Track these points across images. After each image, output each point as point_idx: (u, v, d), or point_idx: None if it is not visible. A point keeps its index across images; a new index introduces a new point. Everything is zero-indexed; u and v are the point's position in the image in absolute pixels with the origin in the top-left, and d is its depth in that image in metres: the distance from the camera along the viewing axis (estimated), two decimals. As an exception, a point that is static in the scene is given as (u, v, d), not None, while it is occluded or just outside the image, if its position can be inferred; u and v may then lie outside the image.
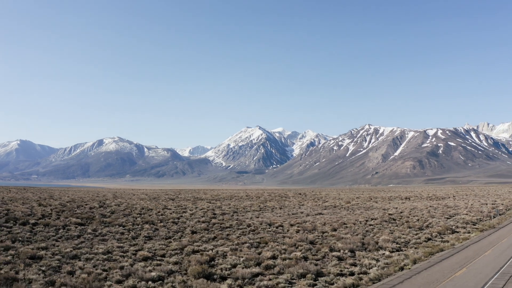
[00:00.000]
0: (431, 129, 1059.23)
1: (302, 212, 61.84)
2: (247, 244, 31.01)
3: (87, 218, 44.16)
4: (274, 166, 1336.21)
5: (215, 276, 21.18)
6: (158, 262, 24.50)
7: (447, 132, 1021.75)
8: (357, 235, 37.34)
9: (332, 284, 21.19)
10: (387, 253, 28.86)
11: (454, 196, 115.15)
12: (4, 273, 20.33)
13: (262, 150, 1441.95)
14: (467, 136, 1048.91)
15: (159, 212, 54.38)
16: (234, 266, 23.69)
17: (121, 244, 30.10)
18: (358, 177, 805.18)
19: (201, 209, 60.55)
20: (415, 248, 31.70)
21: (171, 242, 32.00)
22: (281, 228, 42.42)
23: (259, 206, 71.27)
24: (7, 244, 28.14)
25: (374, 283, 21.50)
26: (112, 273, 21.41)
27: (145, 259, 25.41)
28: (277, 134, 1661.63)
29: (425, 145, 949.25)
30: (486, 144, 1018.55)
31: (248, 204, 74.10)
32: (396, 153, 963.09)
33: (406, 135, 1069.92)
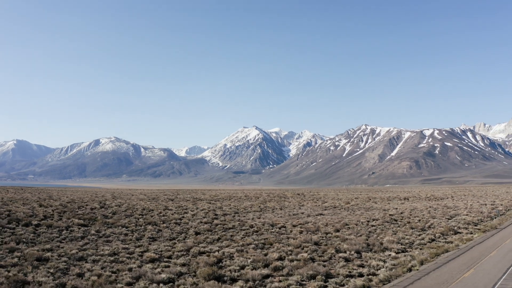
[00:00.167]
0: (428, 129, 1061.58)
1: (302, 213, 61.82)
2: (253, 245, 30.97)
3: (89, 219, 44.01)
4: (270, 166, 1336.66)
5: (225, 278, 21.11)
6: (166, 263, 24.40)
7: (444, 132, 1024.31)
8: (360, 236, 37.34)
9: (343, 285, 21.20)
10: (393, 254, 28.87)
11: (452, 197, 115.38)
12: (13, 276, 20.21)
13: (259, 150, 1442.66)
14: (463, 137, 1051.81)
15: (160, 213, 54.24)
16: (243, 267, 23.66)
17: (126, 246, 30.01)
18: (354, 177, 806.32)
19: (202, 210, 60.47)
20: (420, 249, 31.74)
21: (175, 243, 31.91)
22: (284, 229, 42.39)
23: (259, 206, 71.23)
24: (12, 246, 28.01)
25: (384, 284, 21.51)
26: (122, 275, 21.32)
27: (152, 260, 25.33)
28: (274, 134, 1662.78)
29: (421, 145, 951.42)
30: (482, 145, 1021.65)
31: (248, 205, 74.05)
32: (393, 153, 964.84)
33: (403, 135, 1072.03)
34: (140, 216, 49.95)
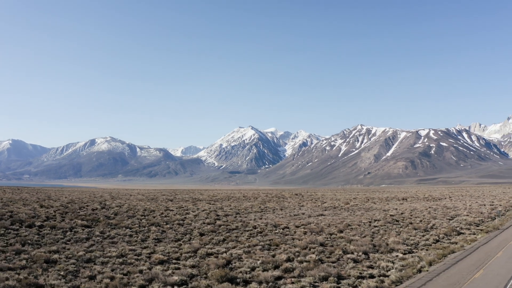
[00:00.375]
0: (423, 129, 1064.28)
1: (303, 213, 61.76)
2: (259, 247, 30.94)
3: (92, 220, 43.84)
4: (266, 166, 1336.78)
5: (238, 280, 21.06)
6: (176, 265, 24.33)
7: (439, 132, 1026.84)
8: (364, 236, 37.32)
9: (355, 287, 21.20)
10: (400, 255, 28.89)
11: (450, 197, 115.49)
12: (24, 279, 20.11)
13: (255, 150, 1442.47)
14: (459, 137, 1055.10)
15: (162, 213, 54.07)
16: (253, 269, 23.61)
17: (133, 247, 29.89)
18: (350, 177, 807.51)
19: (203, 211, 60.33)
20: (426, 250, 31.75)
21: (181, 244, 31.82)
22: (287, 229, 42.34)
23: (260, 207, 71.15)
24: (18, 248, 27.84)
25: (396, 285, 21.58)
26: (134, 277, 21.24)
27: (161, 262, 25.27)
28: (270, 134, 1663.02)
29: (417, 145, 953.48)
30: (478, 145, 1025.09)
31: (248, 205, 73.97)
32: (389, 154, 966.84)
33: (398, 136, 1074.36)
34: (142, 217, 49.78)
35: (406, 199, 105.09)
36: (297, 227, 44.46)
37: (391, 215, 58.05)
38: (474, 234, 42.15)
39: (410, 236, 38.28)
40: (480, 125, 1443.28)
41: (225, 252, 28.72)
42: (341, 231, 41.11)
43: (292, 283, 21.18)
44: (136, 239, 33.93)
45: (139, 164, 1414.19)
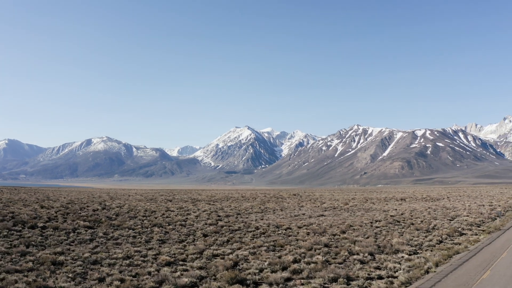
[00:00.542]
0: (420, 129, 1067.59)
1: (303, 214, 61.76)
2: (264, 248, 30.91)
3: (94, 221, 43.71)
4: (263, 166, 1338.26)
5: (248, 282, 21.01)
6: (184, 267, 24.27)
7: (436, 132, 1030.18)
8: (367, 237, 37.36)
9: (366, 288, 21.22)
10: (405, 256, 28.90)
11: (448, 197, 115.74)
12: (33, 282, 20.01)
13: (251, 150, 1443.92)
14: (455, 137, 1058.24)
15: (163, 214, 53.96)
16: (261, 270, 23.57)
17: (138, 248, 29.78)
18: (346, 177, 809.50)
19: (204, 211, 60.26)
20: (431, 250, 31.79)
21: (186, 246, 31.73)
22: (289, 230, 42.32)
23: (260, 207, 71.13)
24: (22, 249, 27.70)
25: (406, 286, 21.59)
26: (143, 279, 21.14)
27: (168, 264, 25.18)
28: (266, 134, 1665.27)
29: (413, 145, 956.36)
30: (474, 145, 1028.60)
31: (248, 206, 73.93)
32: (385, 154, 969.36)
33: (395, 136, 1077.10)
34: (144, 217, 49.67)
35: (404, 200, 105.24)
36: (299, 227, 44.47)
37: (391, 216, 58.12)
38: (476, 234, 42.23)
39: (413, 237, 38.32)
40: (476, 125, 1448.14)
41: (231, 253, 28.68)
42: (343, 232, 41.15)
43: (302, 284, 21.16)
44: (140, 240, 33.83)
45: (135, 164, 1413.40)
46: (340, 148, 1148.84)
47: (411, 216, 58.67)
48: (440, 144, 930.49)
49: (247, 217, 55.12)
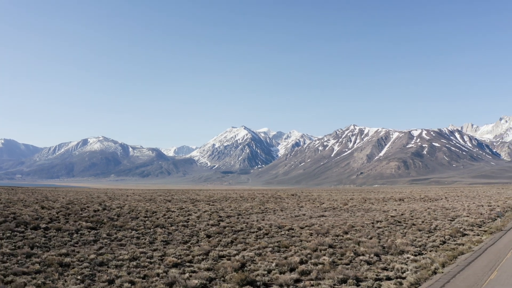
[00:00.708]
0: (416, 129, 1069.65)
1: (304, 214, 61.76)
2: (269, 249, 30.89)
3: (96, 221, 43.57)
4: (259, 166, 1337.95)
5: (258, 283, 20.99)
6: (191, 268, 24.20)
7: (432, 133, 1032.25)
8: (371, 238, 37.42)
9: (375, 289, 21.23)
10: (411, 256, 28.92)
11: (446, 198, 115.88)
12: (42, 284, 19.91)
13: (247, 150, 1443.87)
14: (451, 137, 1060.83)
15: (164, 215, 53.86)
16: (269, 271, 23.55)
17: (143, 250, 29.69)
18: (343, 178, 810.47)
19: (204, 212, 60.18)
20: (435, 251, 31.84)
21: (190, 247, 31.68)
22: (292, 231, 42.32)
23: (260, 208, 71.13)
24: (27, 251, 27.55)
25: (416, 287, 21.58)
26: (152, 281, 21.05)
27: (175, 265, 25.12)
28: (262, 134, 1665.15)
29: (409, 145, 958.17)
30: (470, 145, 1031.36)
31: (248, 206, 73.90)
32: (381, 154, 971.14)
33: (391, 136, 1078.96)
34: (145, 218, 49.57)
35: (403, 200, 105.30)
36: (302, 228, 44.47)
37: (392, 216, 58.15)
38: (478, 235, 42.34)
39: (416, 237, 38.38)
40: (472, 125, 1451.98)
41: (237, 254, 28.65)
42: (346, 233, 41.17)
43: (312, 286, 21.15)
44: (144, 241, 33.73)
45: (131, 164, 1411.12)
46: (336, 148, 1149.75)
47: (412, 216, 58.71)
48: (436, 144, 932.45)
49: (248, 218, 55.08)
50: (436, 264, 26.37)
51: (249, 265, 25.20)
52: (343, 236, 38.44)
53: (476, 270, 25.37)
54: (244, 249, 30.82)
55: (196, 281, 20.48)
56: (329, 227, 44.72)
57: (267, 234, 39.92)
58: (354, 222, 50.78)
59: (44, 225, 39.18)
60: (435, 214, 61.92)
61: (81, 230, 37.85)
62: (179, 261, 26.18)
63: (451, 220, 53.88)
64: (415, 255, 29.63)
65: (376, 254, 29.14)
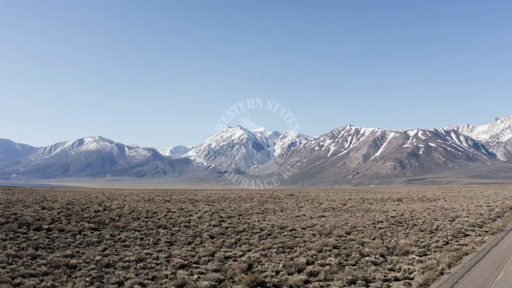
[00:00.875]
0: (412, 129, 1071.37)
1: (304, 215, 61.78)
2: (274, 250, 30.89)
3: (98, 222, 43.44)
4: (255, 166, 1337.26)
5: (268, 285, 20.98)
6: (198, 270, 24.13)
7: (428, 133, 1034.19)
8: (374, 239, 37.44)
9: (385, 290, 21.26)
10: (416, 257, 28.97)
11: (443, 198, 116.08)
12: (51, 286, 19.84)
13: (243, 150, 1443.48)
14: (447, 137, 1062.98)
15: (165, 215, 53.76)
16: (277, 272, 23.54)
17: (147, 251, 29.60)
18: (339, 177, 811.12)
19: (205, 212, 60.11)
20: (440, 252, 31.90)
21: (195, 248, 31.64)
22: (294, 232, 42.33)
23: (259, 208, 71.11)
24: (32, 252, 27.43)
25: (425, 288, 21.68)
26: (162, 283, 20.98)
27: (182, 266, 25.08)
28: (259, 134, 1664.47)
29: (405, 145, 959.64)
30: (466, 145, 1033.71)
31: (248, 206, 73.86)
32: (377, 154, 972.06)
33: (387, 136, 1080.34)
34: (147, 219, 49.48)
35: (401, 200, 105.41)
36: (304, 229, 44.48)
37: (392, 217, 58.22)
38: (480, 235, 42.45)
39: (419, 238, 38.46)
40: (468, 125, 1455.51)
41: (242, 255, 28.62)
42: (348, 233, 41.20)
43: (321, 287, 21.17)
44: (148, 242, 33.65)
45: (127, 163, 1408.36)
46: (332, 148, 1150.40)
47: (412, 217, 58.77)
48: (432, 144, 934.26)
49: (249, 218, 55.04)
50: (442, 265, 26.41)
51: (256, 266, 25.18)
52: (346, 237, 38.47)
53: (483, 270, 25.45)
54: (249, 250, 30.79)
55: (205, 283, 20.46)
56: (331, 228, 44.73)
57: (269, 234, 39.92)
58: (355, 222, 50.81)
59: (46, 226, 39.03)
60: (435, 215, 62.02)
61: (84, 231, 37.76)
62: (185, 262, 26.13)
63: (451, 221, 53.97)
64: (420, 256, 29.69)
65: (382, 255, 29.18)
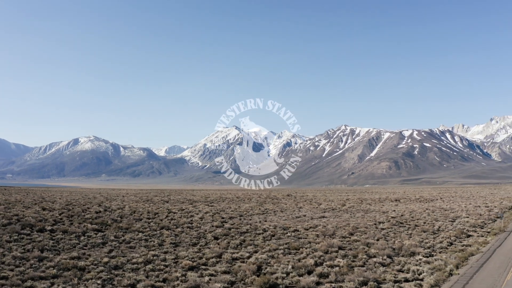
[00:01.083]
0: (407, 130, 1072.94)
1: (304, 215, 61.79)
2: (281, 251, 30.86)
3: (101, 223, 43.24)
4: (250, 166, 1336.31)
5: (280, 287, 20.98)
6: (208, 271, 24.08)
7: (423, 133, 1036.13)
8: (378, 240, 37.48)
9: (398, 292, 21.29)
10: (423, 258, 29.05)
11: (441, 198, 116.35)
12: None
13: (239, 150, 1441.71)
14: (442, 137, 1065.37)
15: (167, 216, 53.64)
16: (287, 274, 23.53)
17: (154, 252, 29.49)
18: (334, 178, 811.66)
19: (206, 213, 60.02)
20: (445, 253, 31.97)
21: (201, 249, 31.57)
22: (297, 232, 42.32)
23: (259, 209, 71.07)
24: (38, 254, 27.28)
25: (436, 290, 21.74)
26: (174, 285, 20.95)
27: (191, 268, 25.01)
28: (254, 134, 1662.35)
29: (400, 146, 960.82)
30: (461, 145, 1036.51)
31: (248, 207, 73.80)
32: (372, 154, 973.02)
33: (382, 136, 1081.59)
34: (149, 219, 49.33)
35: (399, 200, 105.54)
36: (306, 229, 44.45)
37: (392, 217, 58.30)
38: (482, 236, 42.58)
39: (423, 239, 38.54)
40: (463, 126, 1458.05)
41: (250, 256, 28.57)
42: (351, 234, 41.24)
43: (334, 288, 21.18)
44: (153, 243, 33.53)
45: (122, 163, 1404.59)
46: (327, 148, 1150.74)
47: (412, 217, 58.85)
48: (427, 145, 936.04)
49: (250, 219, 54.97)
50: (450, 265, 26.48)
51: (265, 268, 25.13)
52: (349, 238, 38.49)
53: (491, 271, 25.54)
54: (256, 251, 30.75)
55: (218, 285, 20.43)
56: (334, 229, 44.68)
57: (273, 235, 39.89)
58: (357, 223, 50.82)
59: (49, 227, 38.84)
60: (435, 215, 62.13)
61: (87, 232, 37.58)
62: (194, 264, 26.05)
63: (452, 221, 54.07)
64: (427, 257, 29.75)
65: (388, 256, 29.23)
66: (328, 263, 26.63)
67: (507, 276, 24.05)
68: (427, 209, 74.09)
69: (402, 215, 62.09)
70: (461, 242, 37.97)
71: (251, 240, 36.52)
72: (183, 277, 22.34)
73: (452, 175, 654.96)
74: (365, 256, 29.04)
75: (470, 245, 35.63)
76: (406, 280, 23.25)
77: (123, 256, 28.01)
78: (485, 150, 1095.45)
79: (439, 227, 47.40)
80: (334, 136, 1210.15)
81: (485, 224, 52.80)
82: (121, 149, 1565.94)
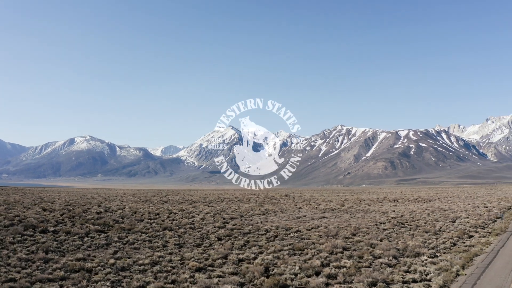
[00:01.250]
0: (403, 130, 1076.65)
1: (305, 216, 61.82)
2: (286, 252, 30.85)
3: (103, 224, 43.19)
4: (246, 166, 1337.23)
5: (291, 288, 21.01)
6: (216, 273, 24.05)
7: (419, 133, 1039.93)
8: (381, 240, 37.56)
9: (407, 293, 21.33)
10: (428, 259, 29.10)
11: (439, 198, 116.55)
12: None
13: (235, 150, 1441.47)
14: (438, 138, 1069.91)
15: (168, 217, 53.60)
16: (295, 275, 23.52)
17: (159, 253, 29.43)
18: (330, 178, 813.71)
19: (207, 213, 60.00)
20: (449, 253, 32.07)
21: (206, 250, 31.54)
22: (300, 233, 42.37)
23: (259, 209, 71.06)
24: (43, 256, 27.14)
25: (445, 290, 21.80)
26: (184, 287, 20.92)
27: (198, 269, 24.96)
28: (250, 134, 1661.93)
29: (396, 146, 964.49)
30: (457, 146, 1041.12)
31: (248, 208, 73.78)
32: (368, 154, 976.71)
33: (378, 136, 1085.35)
34: (150, 220, 49.31)
35: (397, 201, 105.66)
36: (308, 230, 44.52)
37: (393, 218, 58.43)
38: (485, 236, 42.71)
39: (426, 239, 38.65)
40: (459, 126, 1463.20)
41: (256, 257, 28.56)
42: (354, 235, 41.29)
43: (344, 290, 21.20)
44: (158, 244, 33.48)
45: (118, 163, 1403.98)
46: (323, 148, 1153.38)
47: (412, 218, 58.97)
48: (423, 145, 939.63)
49: (251, 220, 54.98)
50: (456, 266, 26.54)
51: (273, 269, 25.09)
52: (352, 238, 38.58)
53: (497, 271, 25.66)
54: (261, 252, 30.74)
55: (228, 286, 20.40)
56: (336, 229, 44.75)
57: (276, 236, 39.93)
58: (358, 224, 50.91)
59: (52, 228, 38.80)
60: (434, 216, 62.25)
61: (90, 233, 37.53)
62: (201, 265, 25.99)
63: (452, 222, 54.20)
64: (432, 257, 29.81)
65: (394, 257, 29.27)
66: (334, 264, 26.64)
67: None
68: (426, 209, 74.21)
69: (402, 216, 62.18)
70: (463, 242, 38.08)
71: (254, 241, 36.52)
72: (192, 279, 22.29)
73: (448, 175, 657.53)
74: (370, 257, 29.08)
75: (473, 246, 35.75)
76: (414, 281, 23.28)
77: (128, 258, 27.94)
78: (481, 150, 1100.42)
79: (441, 228, 47.53)
80: (330, 136, 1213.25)
81: (486, 224, 52.96)
82: (117, 149, 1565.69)
